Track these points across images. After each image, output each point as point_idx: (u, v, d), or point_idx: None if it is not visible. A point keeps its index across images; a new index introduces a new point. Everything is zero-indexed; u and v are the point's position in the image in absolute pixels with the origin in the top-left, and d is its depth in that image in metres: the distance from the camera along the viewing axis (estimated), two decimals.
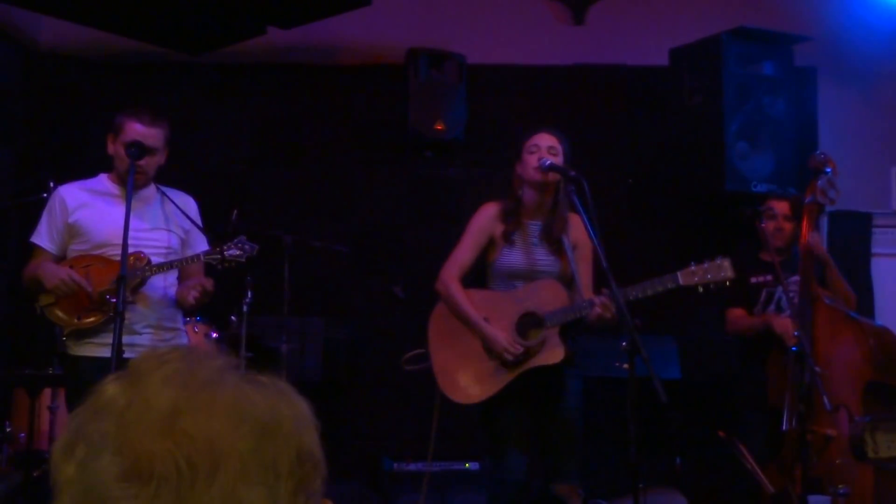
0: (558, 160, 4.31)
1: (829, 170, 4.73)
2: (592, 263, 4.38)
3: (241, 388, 0.99)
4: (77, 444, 0.95)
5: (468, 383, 4.31)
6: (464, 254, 4.42)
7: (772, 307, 5.12)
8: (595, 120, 7.07)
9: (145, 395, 0.96)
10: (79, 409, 0.99)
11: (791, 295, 4.73)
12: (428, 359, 4.40)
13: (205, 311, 5.25)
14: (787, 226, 5.17)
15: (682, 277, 4.10)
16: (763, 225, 4.88)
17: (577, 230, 4.36)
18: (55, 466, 0.96)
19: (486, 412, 4.33)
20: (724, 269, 4.08)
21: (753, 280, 5.20)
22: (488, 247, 4.42)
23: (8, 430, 5.53)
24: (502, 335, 4.25)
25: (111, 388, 0.99)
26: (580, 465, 4.37)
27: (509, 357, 4.23)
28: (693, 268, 4.11)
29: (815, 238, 4.78)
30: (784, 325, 4.87)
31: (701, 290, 4.10)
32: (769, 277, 5.08)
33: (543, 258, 4.35)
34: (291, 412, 1.00)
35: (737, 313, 5.26)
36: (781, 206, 5.24)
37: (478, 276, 4.49)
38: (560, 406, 4.35)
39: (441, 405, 4.41)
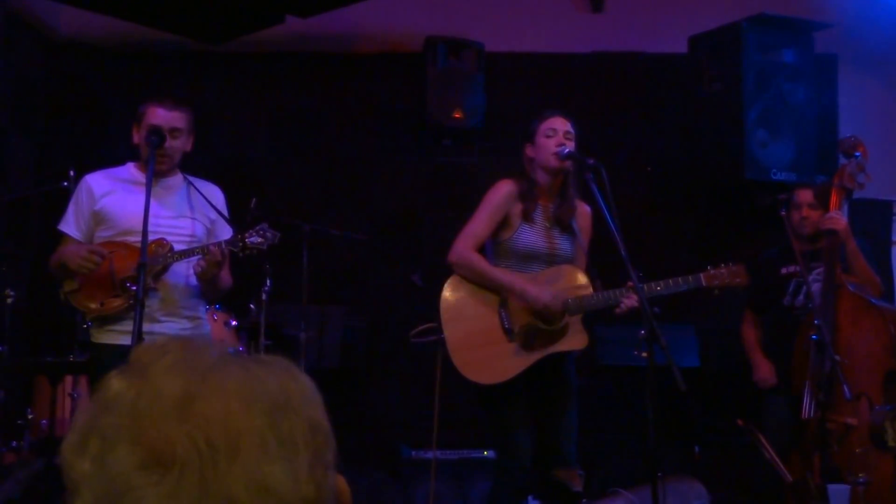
0: (572, 145, 4.32)
1: (858, 154, 4.70)
2: (588, 253, 4.39)
3: (248, 369, 1.00)
4: (89, 439, 0.96)
5: (487, 363, 4.22)
6: (479, 227, 4.34)
7: (800, 298, 5.09)
8: (613, 108, 7.05)
9: (154, 384, 0.96)
10: (85, 407, 0.99)
11: (813, 285, 4.72)
12: (437, 332, 4.30)
13: (224, 299, 5.28)
14: (813, 214, 5.08)
15: (705, 279, 4.20)
16: (784, 214, 4.86)
17: (582, 217, 4.40)
18: (68, 465, 0.96)
19: (489, 398, 4.26)
20: (738, 274, 4.21)
21: (784, 271, 5.17)
22: (501, 224, 4.36)
23: (30, 416, 5.57)
24: (542, 292, 4.19)
25: (116, 382, 0.99)
26: (580, 449, 4.36)
27: (559, 308, 4.18)
28: (713, 271, 4.20)
29: (841, 218, 4.73)
30: (762, 374, 5.26)
31: (717, 292, 4.21)
32: (799, 268, 5.04)
33: (560, 242, 4.34)
34: (298, 387, 1.02)
35: (746, 318, 5.45)
36: (805, 195, 5.16)
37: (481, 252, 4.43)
38: (561, 391, 4.34)
39: (442, 388, 4.39)
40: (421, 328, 4.45)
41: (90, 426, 0.97)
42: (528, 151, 4.39)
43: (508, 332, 4.25)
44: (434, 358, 4.41)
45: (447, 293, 4.35)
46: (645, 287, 4.05)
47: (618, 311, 4.17)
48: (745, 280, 4.21)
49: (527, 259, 4.32)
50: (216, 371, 0.98)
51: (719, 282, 4.19)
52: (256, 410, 0.96)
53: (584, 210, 4.42)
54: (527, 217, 4.33)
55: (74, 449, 0.97)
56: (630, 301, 4.08)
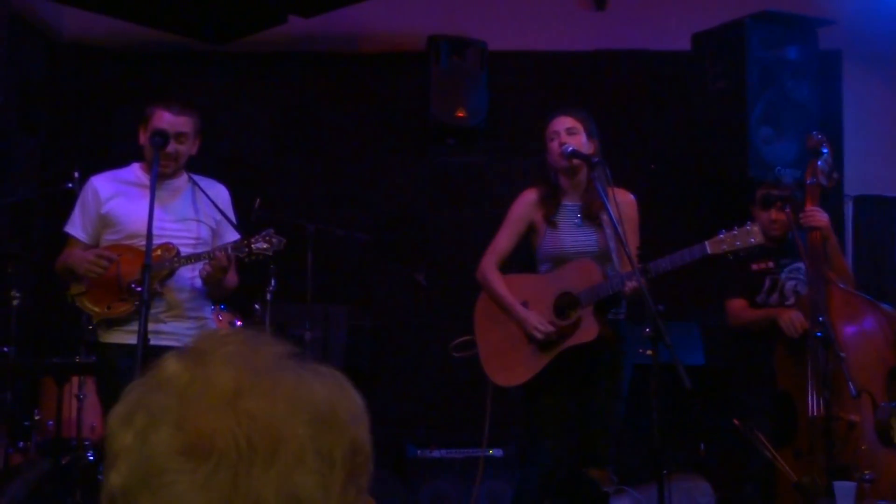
0: (580, 138, 4.34)
1: (825, 150, 4.69)
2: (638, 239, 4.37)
3: (302, 376, 0.99)
4: (136, 413, 0.96)
5: (510, 367, 4.38)
6: (502, 242, 4.50)
7: (775, 295, 5.02)
8: (617, 106, 7.04)
9: (208, 373, 0.96)
10: (138, 382, 0.99)
11: (787, 283, 4.72)
12: (475, 345, 4.48)
13: (229, 299, 5.28)
14: (781, 217, 4.94)
15: (710, 246, 4.08)
16: (787, 211, 4.84)
17: (623, 206, 4.30)
18: (112, 434, 0.96)
19: (528, 395, 4.39)
20: (752, 234, 4.05)
21: (755, 267, 5.04)
22: (531, 233, 4.47)
23: (36, 418, 5.58)
24: (532, 315, 4.30)
25: (172, 363, 0.99)
26: (614, 451, 4.39)
27: (539, 336, 4.26)
28: (721, 236, 4.09)
29: (822, 214, 4.70)
30: (790, 318, 4.69)
31: (731, 257, 4.10)
32: (771, 264, 5.01)
33: (586, 238, 4.37)
34: (348, 404, 1.01)
35: (737, 304, 5.10)
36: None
37: (528, 262, 4.54)
38: (601, 389, 4.36)
39: (447, 388, 4.47)
40: (459, 341, 4.58)
41: (139, 401, 0.97)
42: (547, 158, 4.44)
43: (529, 335, 4.34)
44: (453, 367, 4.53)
45: (478, 307, 4.54)
46: (651, 265, 4.05)
47: (626, 291, 4.16)
48: (760, 239, 4.05)
49: (557, 261, 4.40)
50: (270, 372, 0.98)
51: (728, 246, 4.06)
52: (302, 419, 0.95)
53: (625, 199, 4.39)
54: (549, 221, 4.40)
55: (121, 420, 0.97)
56: (633, 283, 4.06)
